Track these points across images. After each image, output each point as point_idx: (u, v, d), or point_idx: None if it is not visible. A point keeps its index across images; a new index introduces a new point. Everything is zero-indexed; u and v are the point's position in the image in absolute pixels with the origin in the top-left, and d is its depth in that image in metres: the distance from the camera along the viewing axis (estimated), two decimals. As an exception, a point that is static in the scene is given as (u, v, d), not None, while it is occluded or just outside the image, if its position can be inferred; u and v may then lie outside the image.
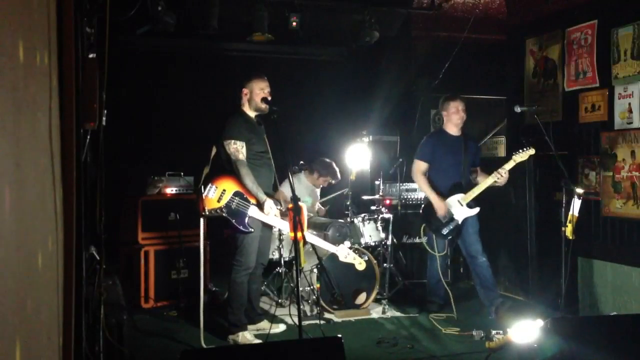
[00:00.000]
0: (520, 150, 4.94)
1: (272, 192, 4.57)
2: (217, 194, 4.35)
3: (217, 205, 4.33)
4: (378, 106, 7.39)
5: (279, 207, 4.46)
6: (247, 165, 4.39)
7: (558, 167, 4.68)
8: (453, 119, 5.25)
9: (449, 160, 5.25)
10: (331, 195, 6.23)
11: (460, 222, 5.14)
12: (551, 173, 5.24)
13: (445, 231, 5.17)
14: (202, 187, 4.36)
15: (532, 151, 4.95)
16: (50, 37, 2.56)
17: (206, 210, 4.30)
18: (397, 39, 7.41)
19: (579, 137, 5.36)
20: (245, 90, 4.54)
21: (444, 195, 5.19)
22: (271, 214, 4.40)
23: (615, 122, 4.98)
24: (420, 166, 5.32)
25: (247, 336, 4.47)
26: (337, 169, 6.07)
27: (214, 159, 4.57)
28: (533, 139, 5.10)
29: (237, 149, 4.38)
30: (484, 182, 5.07)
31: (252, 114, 4.58)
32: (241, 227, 4.36)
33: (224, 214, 4.33)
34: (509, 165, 4.96)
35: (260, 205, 4.40)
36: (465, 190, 5.15)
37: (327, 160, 6.10)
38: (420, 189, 5.61)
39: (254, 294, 4.73)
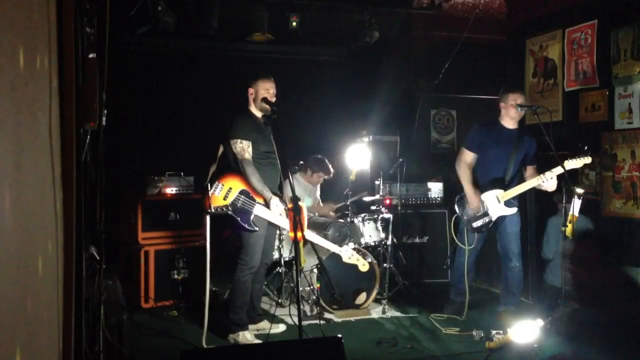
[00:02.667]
0: (575, 157, 4.62)
1: (278, 192, 4.58)
2: (224, 192, 4.37)
3: (223, 203, 4.36)
4: (378, 106, 7.39)
5: (285, 207, 4.47)
6: (253, 164, 4.41)
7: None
8: (510, 113, 4.97)
9: (495, 153, 5.00)
10: (355, 198, 6.15)
11: (493, 219, 4.95)
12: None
13: (476, 225, 4.98)
14: (209, 184, 4.38)
15: (588, 159, 4.62)
16: (50, 37, 2.56)
17: (212, 208, 4.33)
18: (397, 39, 7.41)
19: (579, 137, 5.36)
20: (251, 90, 4.56)
21: (482, 187, 4.99)
22: (277, 212, 4.41)
23: (615, 122, 4.98)
24: (466, 156, 5.09)
25: (247, 336, 4.47)
26: (329, 165, 6.10)
27: (220, 158, 4.61)
28: (591, 148, 4.76)
29: (243, 148, 4.41)
30: (527, 183, 4.83)
31: (258, 113, 4.60)
32: (246, 225, 4.37)
33: (229, 212, 4.35)
34: (557, 170, 4.65)
35: (266, 204, 4.41)
36: (506, 187, 4.93)
37: (319, 156, 6.12)
38: (459, 178, 5.18)
39: (256, 293, 4.73)
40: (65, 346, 2.79)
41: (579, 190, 4.56)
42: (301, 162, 6.21)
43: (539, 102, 5.65)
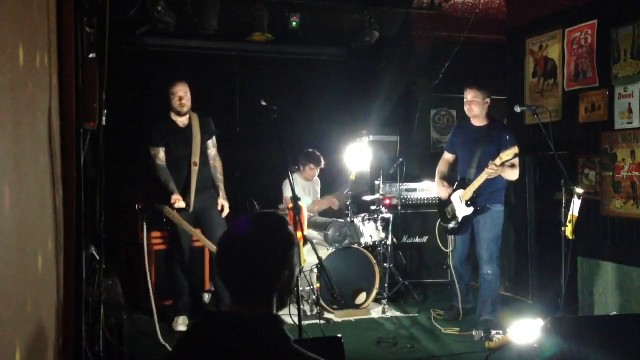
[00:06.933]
0: (506, 149, 4.62)
1: (191, 196, 4.78)
2: None
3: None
4: (378, 106, 7.38)
5: (187, 207, 4.72)
6: (163, 168, 4.80)
7: (558, 167, 4.68)
8: (466, 110, 5.00)
9: (463, 152, 5.05)
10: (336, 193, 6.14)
11: (460, 220, 4.95)
12: (551, 173, 5.24)
13: (449, 226, 5.07)
14: None
15: (516, 149, 4.60)
16: (50, 37, 2.56)
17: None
18: (397, 39, 7.40)
19: (579, 137, 5.36)
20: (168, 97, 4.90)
21: (454, 189, 5.01)
22: (177, 206, 4.64)
23: (615, 122, 4.98)
24: (444, 156, 5.28)
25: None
26: (318, 156, 6.12)
27: None
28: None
29: (155, 154, 4.83)
30: (478, 179, 4.80)
31: (176, 118, 4.93)
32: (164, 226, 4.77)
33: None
34: (498, 161, 4.64)
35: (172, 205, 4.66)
36: (467, 186, 4.90)
37: (310, 150, 6.15)
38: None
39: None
40: (65, 346, 2.80)
41: (579, 190, 4.55)
42: (296, 166, 6.21)
43: (539, 102, 5.64)
